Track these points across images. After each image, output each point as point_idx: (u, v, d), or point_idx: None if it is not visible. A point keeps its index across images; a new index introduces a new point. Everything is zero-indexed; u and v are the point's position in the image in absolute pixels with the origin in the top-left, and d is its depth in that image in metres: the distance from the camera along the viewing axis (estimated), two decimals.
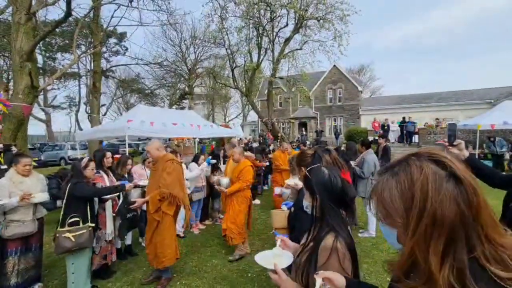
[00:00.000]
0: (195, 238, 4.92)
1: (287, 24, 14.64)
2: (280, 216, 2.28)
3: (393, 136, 17.69)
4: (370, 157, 4.79)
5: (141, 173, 4.65)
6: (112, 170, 4.00)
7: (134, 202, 3.28)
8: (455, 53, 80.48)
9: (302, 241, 1.26)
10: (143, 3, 15.68)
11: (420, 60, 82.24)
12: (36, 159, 13.72)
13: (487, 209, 0.57)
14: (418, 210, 0.58)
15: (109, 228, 3.53)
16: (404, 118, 16.88)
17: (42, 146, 21.71)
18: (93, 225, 3.09)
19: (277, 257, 1.21)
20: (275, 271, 1.09)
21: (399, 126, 16.95)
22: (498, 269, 0.54)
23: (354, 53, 59.10)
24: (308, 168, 1.27)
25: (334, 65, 23.43)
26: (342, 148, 5.29)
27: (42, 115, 28.49)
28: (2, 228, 2.92)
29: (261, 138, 18.16)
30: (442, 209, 0.56)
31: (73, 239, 2.83)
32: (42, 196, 3.12)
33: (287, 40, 14.75)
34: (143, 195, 3.39)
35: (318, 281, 0.90)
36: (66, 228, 2.86)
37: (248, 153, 7.66)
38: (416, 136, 16.53)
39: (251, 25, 14.61)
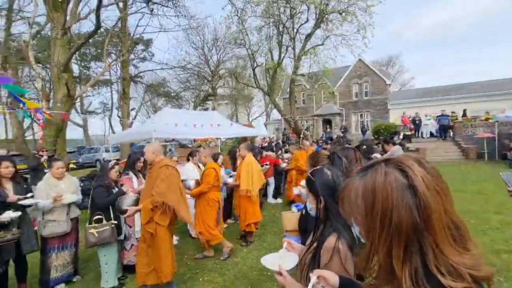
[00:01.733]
0: None
1: (307, 20, 14.43)
2: (290, 219, 2.23)
3: (425, 130, 16.66)
4: (399, 154, 4.60)
5: None
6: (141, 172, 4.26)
7: (126, 211, 3.02)
8: (491, 40, 73.53)
9: (307, 242, 1.28)
10: (163, 11, 16.35)
11: (452, 49, 76.39)
12: (75, 161, 14.93)
13: (441, 224, 0.58)
14: (378, 213, 0.61)
15: (138, 225, 3.75)
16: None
17: (80, 149, 23.42)
18: (116, 222, 3.33)
19: (283, 258, 1.22)
20: (280, 273, 1.12)
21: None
22: (449, 280, 0.55)
23: (381, 45, 56.55)
24: (311, 170, 1.29)
25: (359, 59, 22.60)
26: (364, 146, 5.12)
27: (79, 120, 30.85)
28: (41, 227, 3.28)
29: (284, 137, 18.06)
30: (399, 216, 0.58)
31: (96, 234, 3.12)
32: (71, 197, 3.41)
33: (308, 36, 14.51)
34: (137, 202, 3.19)
35: (313, 279, 0.92)
36: (92, 224, 3.18)
37: (269, 153, 7.69)
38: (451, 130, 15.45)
39: (271, 24, 14.58)
